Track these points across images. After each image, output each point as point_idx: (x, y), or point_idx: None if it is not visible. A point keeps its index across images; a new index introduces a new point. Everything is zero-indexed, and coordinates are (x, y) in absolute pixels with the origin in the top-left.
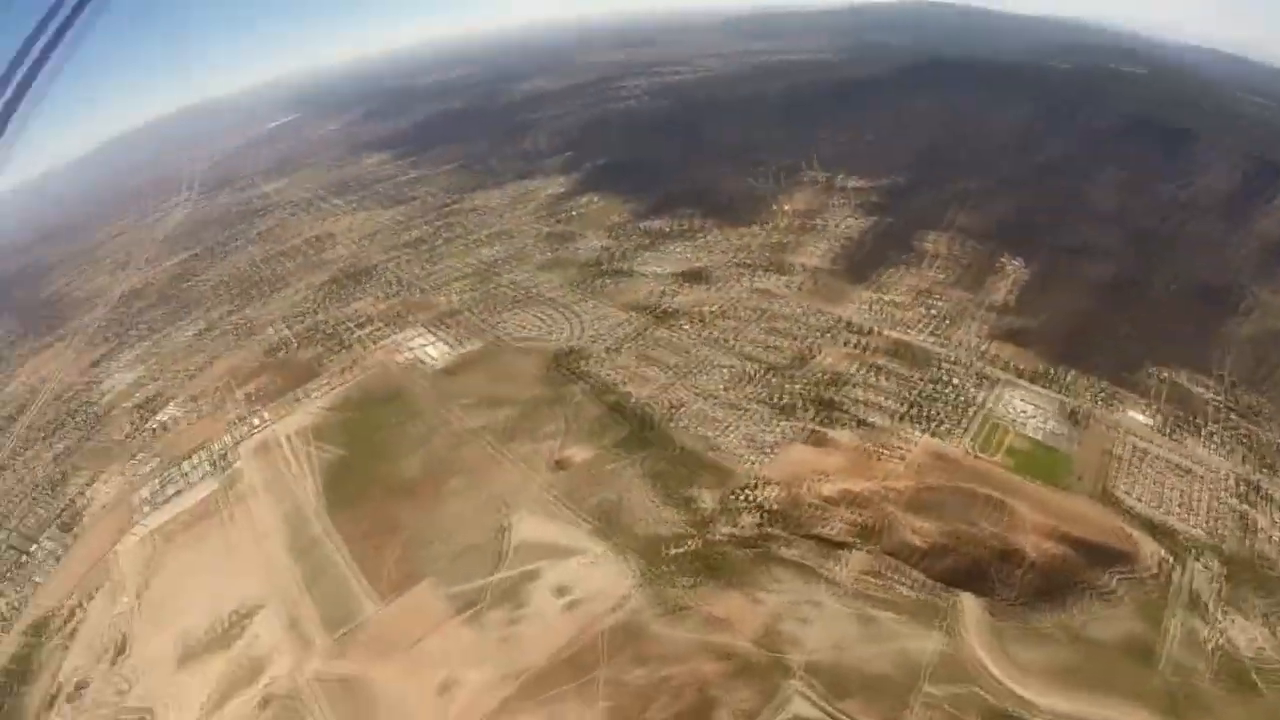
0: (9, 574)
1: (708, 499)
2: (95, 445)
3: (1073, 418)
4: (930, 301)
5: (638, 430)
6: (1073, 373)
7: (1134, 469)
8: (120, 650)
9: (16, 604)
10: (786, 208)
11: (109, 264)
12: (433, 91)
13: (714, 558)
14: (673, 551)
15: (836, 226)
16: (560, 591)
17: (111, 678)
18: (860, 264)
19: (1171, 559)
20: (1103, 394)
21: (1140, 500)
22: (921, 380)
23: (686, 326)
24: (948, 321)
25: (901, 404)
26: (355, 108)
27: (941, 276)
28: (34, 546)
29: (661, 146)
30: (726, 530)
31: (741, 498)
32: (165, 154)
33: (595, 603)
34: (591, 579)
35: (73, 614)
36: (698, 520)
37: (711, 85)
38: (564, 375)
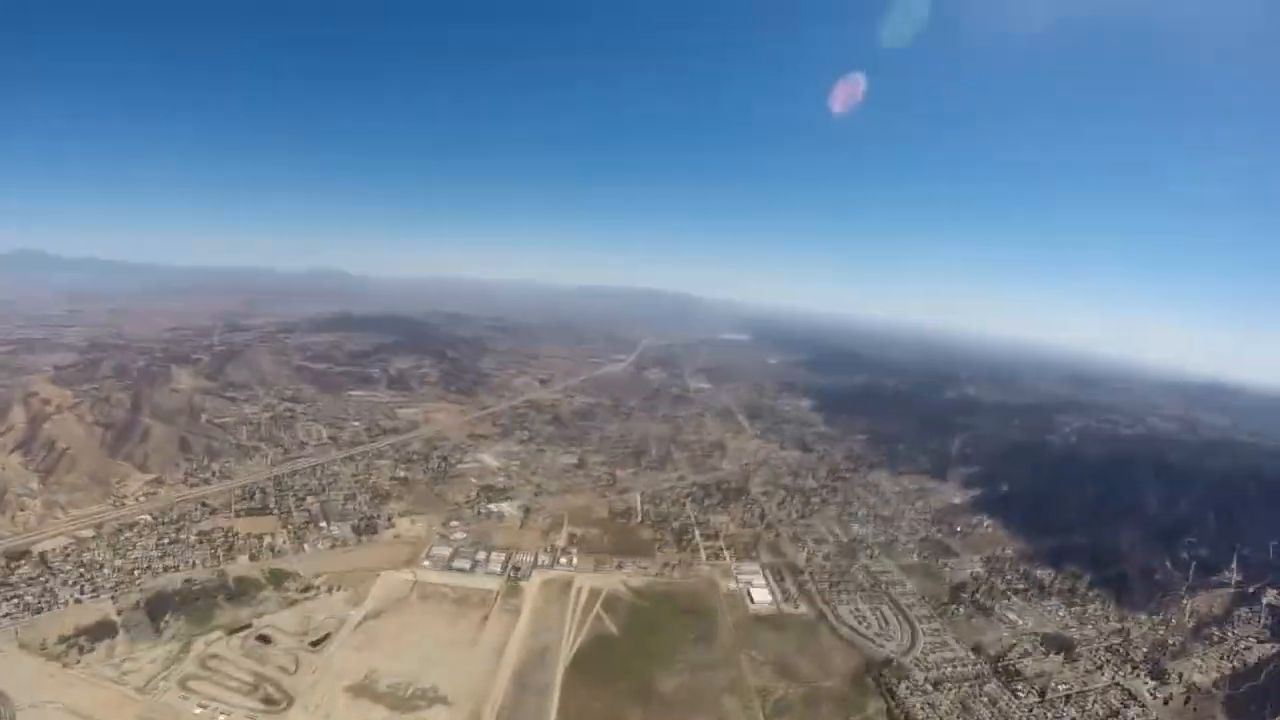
0: (302, 531)
1: None
2: (430, 491)
3: None
4: None
5: None
6: None
7: None
8: (318, 642)
9: (274, 553)
10: (1186, 604)
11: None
12: (873, 362)
13: None
14: None
15: (1237, 644)
16: None
17: (292, 652)
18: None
19: None
20: None
21: None
22: None
23: (1023, 695)
24: None
25: None
26: (800, 351)
27: None
28: (330, 525)
29: (1075, 494)
30: None
31: None
32: None
33: None
34: None
35: (313, 589)
36: None
37: (1153, 445)
38: (872, 686)
